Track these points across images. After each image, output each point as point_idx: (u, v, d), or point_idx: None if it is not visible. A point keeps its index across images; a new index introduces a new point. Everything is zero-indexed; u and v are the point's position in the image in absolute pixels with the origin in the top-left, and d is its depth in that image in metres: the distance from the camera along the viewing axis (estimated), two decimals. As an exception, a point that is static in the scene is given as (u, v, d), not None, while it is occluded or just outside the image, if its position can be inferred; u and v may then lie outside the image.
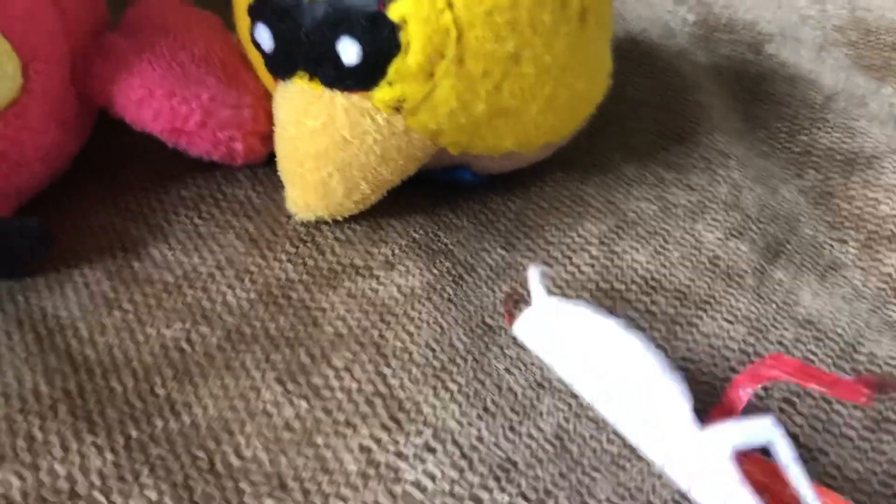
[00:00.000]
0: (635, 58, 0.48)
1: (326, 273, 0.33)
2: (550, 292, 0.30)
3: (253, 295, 0.32)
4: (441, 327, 0.31)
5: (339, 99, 0.33)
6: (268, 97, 0.36)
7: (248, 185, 0.37)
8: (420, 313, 0.31)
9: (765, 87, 0.47)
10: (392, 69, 0.31)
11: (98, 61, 0.34)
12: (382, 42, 0.31)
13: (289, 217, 0.36)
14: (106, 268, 0.33)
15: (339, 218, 0.35)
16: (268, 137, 0.36)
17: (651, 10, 0.54)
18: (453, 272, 0.34)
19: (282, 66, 0.34)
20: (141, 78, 0.34)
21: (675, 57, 0.48)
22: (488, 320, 0.31)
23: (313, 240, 0.35)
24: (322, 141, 0.33)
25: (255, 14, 0.34)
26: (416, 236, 0.35)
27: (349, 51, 0.32)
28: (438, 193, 0.38)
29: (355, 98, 0.33)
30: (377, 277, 0.33)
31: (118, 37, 0.35)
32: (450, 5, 0.31)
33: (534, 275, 0.29)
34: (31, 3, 0.32)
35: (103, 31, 0.36)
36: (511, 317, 0.31)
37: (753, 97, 0.46)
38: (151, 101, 0.33)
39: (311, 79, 0.33)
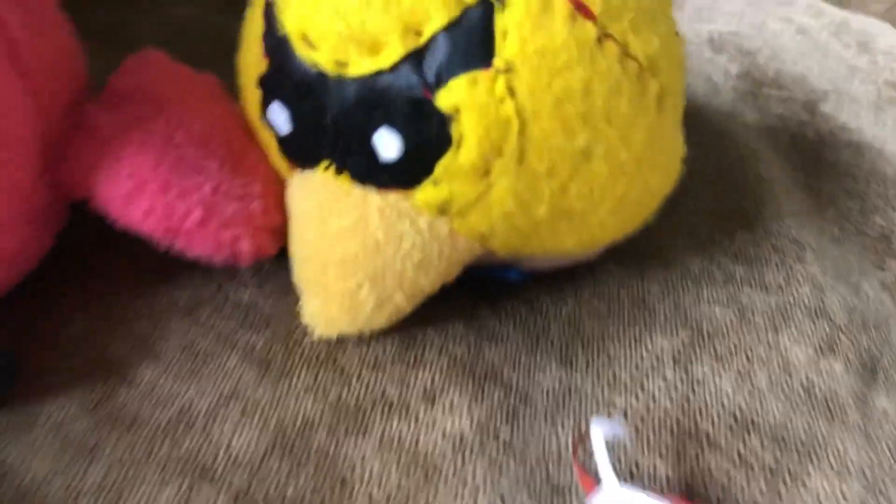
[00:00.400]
0: (684, 121, 0.43)
1: (353, 410, 0.27)
2: (622, 477, 0.24)
3: (265, 441, 0.26)
4: (501, 496, 0.25)
5: (373, 197, 0.27)
6: (279, 182, 0.30)
7: (254, 286, 0.31)
8: (474, 472, 0.26)
9: (826, 154, 0.42)
10: (440, 167, 0.26)
11: (76, 143, 0.28)
12: (429, 135, 0.25)
13: (305, 330, 0.30)
14: (84, 400, 0.27)
15: (366, 333, 0.29)
16: (279, 232, 0.30)
17: (689, 58, 0.49)
18: (506, 405, 0.28)
19: (302, 153, 0.28)
20: (130, 166, 0.28)
21: (726, 119, 0.43)
22: (553, 475, 0.26)
23: (335, 362, 0.29)
24: (351, 245, 0.27)
25: (270, 89, 0.28)
26: (458, 353, 0.30)
27: (388, 144, 0.26)
28: (478, 291, 0.32)
29: (392, 197, 0.27)
30: (416, 417, 0.27)
31: (100, 111, 0.29)
32: (511, 93, 0.25)
33: (599, 443, 0.24)
34: (-8, 78, 0.25)
35: (82, 102, 0.30)
36: (584, 475, 0.25)
37: (815, 167, 0.41)
38: (142, 195, 0.27)
39: (338, 171, 0.27)
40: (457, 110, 0.25)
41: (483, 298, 0.32)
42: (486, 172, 0.26)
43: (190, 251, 0.28)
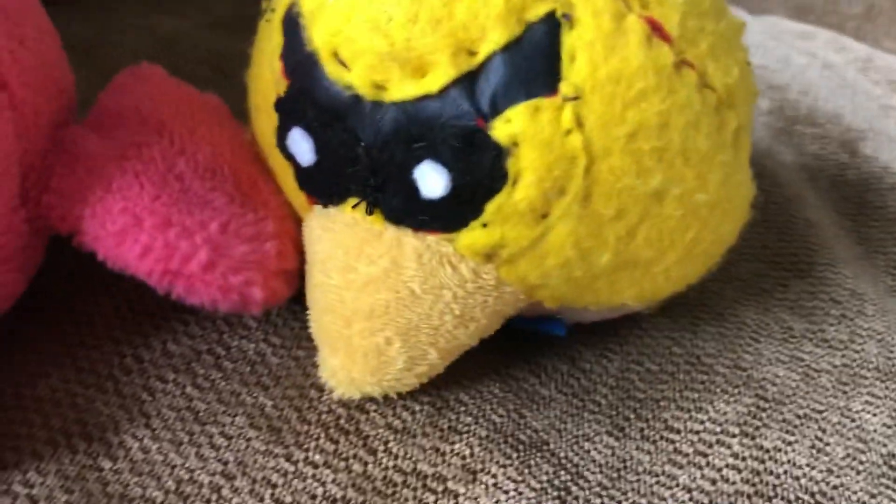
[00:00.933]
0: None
1: (381, 487, 0.23)
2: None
3: (282, 526, 0.22)
4: None
5: (409, 239, 0.23)
6: (293, 218, 0.27)
7: (261, 335, 0.28)
8: (531, 567, 0.22)
9: (870, 198, 0.39)
10: (491, 207, 0.22)
11: (60, 171, 0.24)
12: (481, 170, 0.22)
13: (320, 388, 0.26)
14: (63, 472, 0.23)
15: (392, 394, 0.26)
16: (294, 275, 0.26)
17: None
18: (556, 482, 0.24)
19: (326, 187, 0.24)
20: (123, 199, 0.24)
21: (763, 157, 0.40)
22: (621, 569, 0.22)
23: (357, 428, 0.25)
24: (381, 295, 0.24)
25: (289, 114, 0.24)
26: (497, 420, 0.26)
27: (432, 181, 0.22)
28: (512, 345, 0.28)
29: (432, 240, 0.23)
30: (455, 496, 0.23)
31: (89, 134, 0.25)
32: (579, 124, 0.22)
33: None
34: (-34, 92, 0.21)
35: (68, 123, 0.26)
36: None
37: (859, 210, 0.39)
38: (138, 232, 0.23)
39: (369, 210, 0.23)
40: (515, 143, 0.22)
41: (518, 354, 0.28)
42: (545, 214, 0.22)
43: (192, 297, 0.24)
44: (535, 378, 0.28)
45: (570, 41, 0.22)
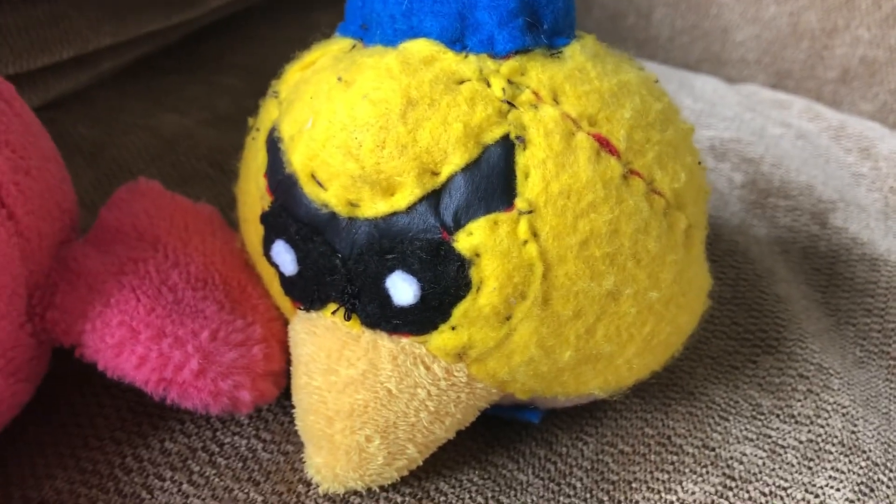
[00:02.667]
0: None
1: (366, 577, 0.25)
2: None
3: None
4: None
5: (385, 342, 0.25)
6: (281, 321, 0.29)
7: (252, 431, 0.29)
8: None
9: (840, 269, 0.41)
10: (458, 311, 0.24)
11: (63, 288, 0.26)
12: (447, 279, 0.24)
13: (307, 483, 0.28)
14: (65, 574, 0.25)
15: (375, 487, 0.27)
16: (282, 375, 0.28)
17: (690, 166, 0.48)
18: (531, 567, 0.26)
19: (307, 294, 0.26)
20: (121, 313, 0.26)
21: (736, 233, 0.42)
22: None
23: (344, 520, 0.27)
24: (360, 396, 0.25)
25: (273, 227, 0.26)
26: (475, 507, 0.27)
27: (402, 289, 0.24)
28: (491, 432, 0.30)
29: (405, 342, 0.25)
30: (436, 585, 0.25)
31: (90, 251, 0.27)
32: (534, 235, 0.24)
33: None
34: (-24, 224, 0.24)
35: (70, 239, 0.28)
36: None
37: (829, 282, 0.40)
38: (135, 344, 0.25)
39: (347, 315, 0.25)
40: (477, 253, 0.24)
41: (498, 441, 0.30)
42: (508, 317, 0.24)
43: (185, 402, 0.26)
44: (513, 464, 0.29)
45: (524, 160, 0.24)
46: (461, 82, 0.24)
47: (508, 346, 0.25)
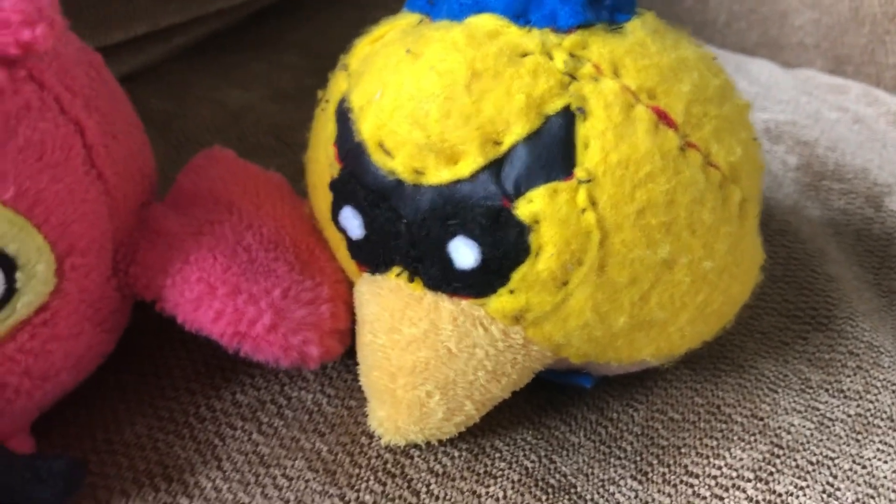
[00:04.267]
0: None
1: (425, 524, 0.26)
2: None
3: (335, 559, 0.25)
4: None
5: (446, 304, 0.26)
6: (346, 283, 0.30)
7: (318, 387, 0.31)
8: None
9: (893, 251, 0.41)
10: (517, 276, 0.25)
11: (145, 246, 0.28)
12: (507, 244, 0.25)
13: (370, 435, 0.29)
14: (146, 510, 0.26)
15: (434, 441, 0.29)
16: (346, 334, 0.29)
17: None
18: (582, 522, 0.27)
19: (373, 257, 0.28)
20: (199, 269, 0.27)
21: (789, 213, 0.42)
22: None
23: (403, 472, 0.28)
24: (422, 353, 0.27)
25: (342, 194, 0.28)
26: (529, 465, 0.29)
27: (464, 254, 0.25)
28: (544, 396, 0.31)
29: (465, 304, 0.26)
30: (490, 534, 0.26)
31: (169, 213, 0.29)
32: (592, 203, 0.25)
33: None
34: (72, 181, 0.25)
35: (150, 202, 0.30)
36: None
37: (882, 264, 0.40)
38: (212, 299, 0.27)
39: (410, 278, 0.27)
40: (536, 220, 0.25)
41: (551, 404, 0.31)
42: (565, 282, 0.25)
43: (257, 355, 0.28)
44: (565, 426, 0.30)
45: (584, 131, 0.25)
46: (524, 55, 0.25)
47: (564, 311, 0.26)
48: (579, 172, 0.24)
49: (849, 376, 0.33)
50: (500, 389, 0.28)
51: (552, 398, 0.31)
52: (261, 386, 0.31)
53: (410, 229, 0.26)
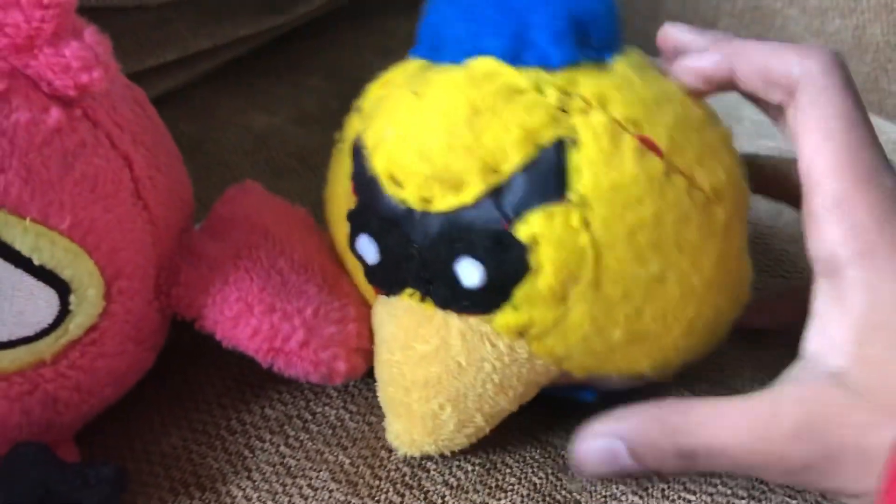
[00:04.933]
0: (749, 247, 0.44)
1: (440, 534, 0.28)
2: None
3: (358, 564, 0.27)
4: None
5: (455, 321, 0.29)
6: (368, 306, 0.32)
7: (340, 403, 0.33)
8: None
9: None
10: (519, 293, 0.27)
11: (186, 269, 0.30)
12: (509, 264, 0.27)
13: (389, 449, 0.31)
14: (182, 515, 0.29)
15: (447, 453, 0.31)
16: (370, 353, 0.32)
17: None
18: (586, 535, 0.29)
19: (387, 280, 0.30)
20: (238, 290, 0.30)
21: (788, 242, 0.44)
22: None
23: (420, 484, 0.30)
24: (434, 368, 0.29)
25: (358, 223, 0.30)
26: (537, 481, 0.31)
27: (470, 273, 0.28)
28: (552, 416, 0.33)
29: (473, 321, 0.28)
30: (501, 544, 0.28)
31: (208, 238, 0.31)
32: (586, 225, 0.27)
33: None
34: (121, 212, 0.28)
35: (189, 229, 0.32)
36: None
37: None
38: (250, 317, 0.29)
39: (422, 298, 0.29)
40: (535, 241, 0.27)
41: (557, 422, 0.33)
42: (564, 298, 0.27)
43: (289, 370, 0.30)
44: (571, 444, 0.32)
45: (576, 159, 0.27)
46: (519, 93, 0.28)
47: (564, 325, 0.28)
48: (572, 197, 0.27)
49: (841, 401, 0.35)
50: (508, 402, 0.30)
51: (559, 418, 0.33)
52: (288, 401, 0.33)
53: (421, 253, 0.28)
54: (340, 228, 0.31)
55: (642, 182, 0.27)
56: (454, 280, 0.28)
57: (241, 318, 0.29)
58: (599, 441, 0.27)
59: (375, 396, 0.32)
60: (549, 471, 0.31)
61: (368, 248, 0.30)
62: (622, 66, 0.29)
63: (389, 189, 0.29)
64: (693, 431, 0.26)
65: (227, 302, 0.29)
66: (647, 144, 0.27)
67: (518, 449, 0.32)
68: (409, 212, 0.28)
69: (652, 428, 0.27)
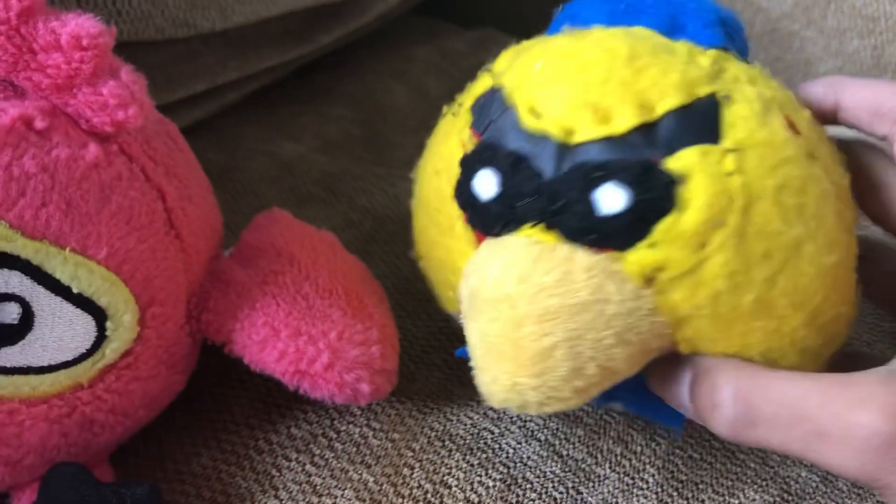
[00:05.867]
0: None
1: (463, 549, 0.29)
2: None
3: (382, 579, 0.28)
4: None
5: (580, 255, 0.27)
6: (393, 327, 0.33)
7: (364, 421, 0.34)
8: None
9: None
10: (659, 229, 0.26)
11: (216, 295, 0.31)
12: (655, 193, 0.26)
13: (412, 467, 0.32)
14: (214, 533, 0.30)
15: (472, 463, 0.31)
16: (394, 374, 0.32)
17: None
18: (605, 550, 0.30)
19: (504, 216, 0.28)
20: (265, 315, 0.31)
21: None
22: None
23: (441, 501, 0.31)
24: (553, 300, 0.27)
25: (479, 160, 0.29)
26: (557, 496, 0.31)
27: (612, 199, 0.26)
28: (571, 431, 0.34)
29: (602, 257, 0.27)
30: (522, 559, 0.29)
31: (237, 265, 0.33)
32: (740, 170, 0.26)
33: None
34: (154, 241, 0.29)
35: (219, 256, 0.33)
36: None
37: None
38: (276, 341, 0.30)
39: (546, 229, 0.27)
40: (686, 175, 0.26)
41: (578, 438, 0.34)
42: (704, 244, 0.26)
43: (314, 392, 0.31)
44: (591, 459, 0.33)
45: (730, 114, 0.27)
46: (676, 52, 0.28)
47: (698, 275, 0.27)
48: (727, 142, 0.27)
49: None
50: (622, 359, 0.27)
51: (579, 432, 0.34)
52: (313, 420, 0.34)
53: (552, 183, 0.27)
54: (444, 180, 0.30)
55: (791, 147, 0.27)
56: (589, 209, 0.26)
57: (268, 342, 0.30)
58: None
59: (398, 414, 0.33)
60: (570, 485, 0.32)
61: (488, 183, 0.28)
62: (758, 66, 0.30)
63: (526, 121, 0.28)
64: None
65: (254, 327, 0.31)
66: (792, 127, 0.28)
67: (538, 464, 0.32)
68: (546, 141, 0.27)
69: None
